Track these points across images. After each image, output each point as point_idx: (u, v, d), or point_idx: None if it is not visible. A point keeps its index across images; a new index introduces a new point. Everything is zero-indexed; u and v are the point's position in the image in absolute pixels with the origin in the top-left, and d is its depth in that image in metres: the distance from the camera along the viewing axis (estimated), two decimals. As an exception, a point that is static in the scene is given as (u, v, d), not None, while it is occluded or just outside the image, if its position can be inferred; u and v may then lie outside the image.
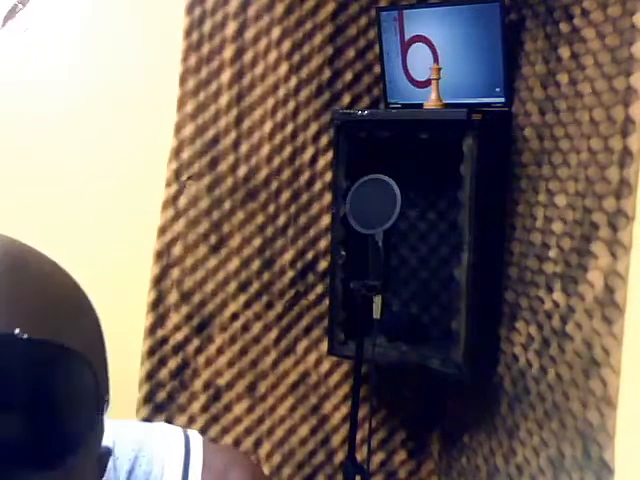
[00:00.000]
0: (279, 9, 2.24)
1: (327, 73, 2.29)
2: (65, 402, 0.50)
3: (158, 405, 2.27)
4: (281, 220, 2.31)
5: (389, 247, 2.21)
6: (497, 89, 2.05)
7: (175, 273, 2.24)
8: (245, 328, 2.31)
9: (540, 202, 1.88)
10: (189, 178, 2.23)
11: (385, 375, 2.32)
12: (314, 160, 2.31)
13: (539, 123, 1.91)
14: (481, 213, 1.97)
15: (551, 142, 1.85)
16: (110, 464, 0.68)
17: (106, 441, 0.70)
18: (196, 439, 0.74)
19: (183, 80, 2.20)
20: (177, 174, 2.22)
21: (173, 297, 2.25)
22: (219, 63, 2.22)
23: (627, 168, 1.50)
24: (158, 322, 2.25)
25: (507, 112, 2.05)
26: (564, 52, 1.81)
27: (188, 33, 2.19)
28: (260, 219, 2.29)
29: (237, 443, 2.33)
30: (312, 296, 2.35)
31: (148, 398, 2.26)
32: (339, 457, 2.39)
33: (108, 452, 0.59)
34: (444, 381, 2.32)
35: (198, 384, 2.29)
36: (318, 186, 2.32)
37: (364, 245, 1.88)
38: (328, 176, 2.30)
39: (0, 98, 2.21)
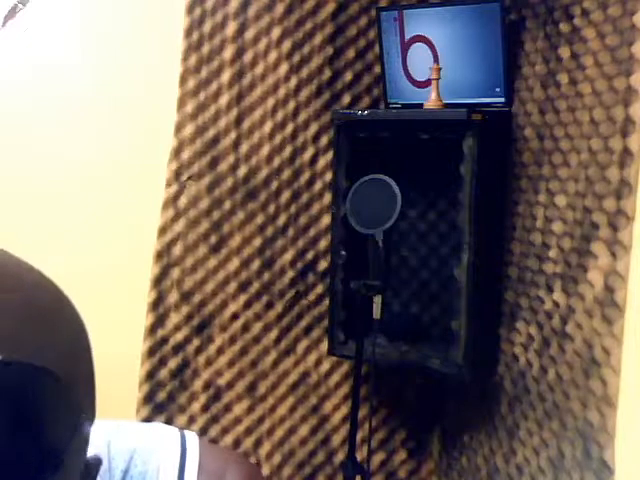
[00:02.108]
0: (279, 9, 2.24)
1: (327, 73, 2.29)
2: (35, 420, 0.49)
3: (158, 405, 2.27)
4: (281, 220, 2.31)
5: (389, 247, 2.21)
6: (497, 89, 2.05)
7: (175, 273, 2.25)
8: (245, 328, 2.31)
9: (540, 202, 1.88)
10: (189, 178, 2.23)
11: (385, 375, 2.32)
12: (314, 160, 2.31)
13: (539, 123, 1.91)
14: (481, 213, 1.97)
15: (551, 142, 1.85)
16: (105, 464, 0.68)
17: (101, 442, 0.70)
18: (192, 440, 0.74)
19: (183, 80, 2.20)
20: (177, 174, 2.23)
21: (173, 297, 2.25)
22: (219, 63, 2.22)
23: (627, 168, 1.50)
24: (158, 322, 2.25)
25: (507, 112, 2.05)
26: (564, 52, 1.81)
27: (188, 33, 2.19)
28: (260, 219, 2.29)
29: (237, 443, 2.33)
30: (312, 296, 2.35)
31: (148, 398, 2.26)
32: (339, 457, 2.39)
33: (98, 461, 0.58)
34: (444, 381, 2.32)
35: (198, 384, 2.29)
36: (318, 186, 2.33)
37: (364, 245, 1.88)
38: (328, 176, 2.30)
39: (0, 98, 2.21)
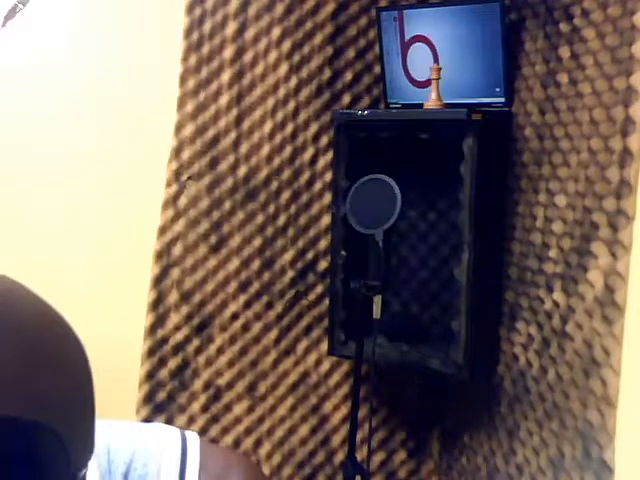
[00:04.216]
0: (279, 9, 2.24)
1: (327, 73, 2.29)
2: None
3: (158, 405, 2.27)
4: (281, 220, 2.31)
5: (389, 247, 2.21)
6: (497, 89, 2.05)
7: (175, 273, 2.24)
8: (245, 328, 2.31)
9: (540, 202, 1.88)
10: (189, 178, 2.23)
11: (385, 375, 2.32)
12: (314, 160, 2.31)
13: (539, 123, 1.91)
14: (481, 213, 1.97)
15: (551, 142, 1.85)
16: (105, 467, 0.68)
17: (101, 444, 0.69)
18: (193, 441, 0.73)
19: (183, 80, 2.20)
20: (177, 174, 2.22)
21: (173, 297, 2.25)
22: (219, 63, 2.22)
23: (627, 168, 1.50)
24: (158, 322, 2.25)
25: (507, 112, 2.05)
26: (564, 52, 1.81)
27: (188, 33, 2.19)
28: (260, 219, 2.29)
29: (237, 443, 2.33)
30: (312, 296, 2.35)
31: (148, 398, 2.26)
32: (339, 457, 2.39)
33: None
34: (444, 381, 2.32)
35: (198, 384, 2.29)
36: (318, 186, 2.32)
37: (364, 245, 1.88)
38: (328, 176, 2.30)
39: (0, 98, 2.21)
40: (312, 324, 2.36)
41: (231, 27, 2.21)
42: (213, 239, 2.26)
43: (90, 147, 2.25)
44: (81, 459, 0.52)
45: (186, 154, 2.22)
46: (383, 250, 1.84)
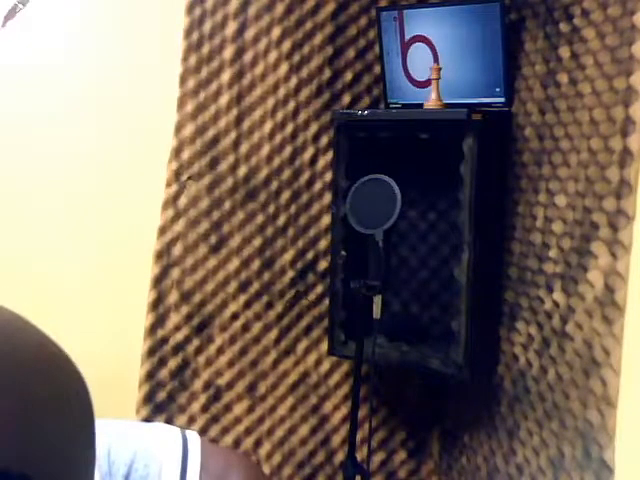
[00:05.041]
0: (279, 9, 2.24)
1: (327, 73, 2.29)
2: None
3: (158, 405, 2.27)
4: (281, 220, 2.31)
5: (389, 247, 2.21)
6: (497, 89, 2.05)
7: (175, 273, 2.24)
8: (245, 328, 2.31)
9: (540, 202, 1.88)
10: (189, 178, 2.23)
11: (385, 375, 2.32)
12: (314, 160, 2.31)
13: (539, 123, 1.91)
14: (481, 213, 1.97)
15: (551, 142, 1.85)
16: (105, 469, 0.68)
17: (101, 446, 0.69)
18: (194, 441, 0.73)
19: (183, 80, 2.20)
20: (177, 174, 2.22)
21: (173, 297, 2.25)
22: (219, 63, 2.22)
23: (627, 168, 1.50)
24: (158, 322, 2.25)
25: (507, 112, 2.05)
26: (564, 52, 1.81)
27: (188, 33, 2.19)
28: (260, 219, 2.29)
29: (237, 443, 2.33)
30: (312, 296, 2.35)
31: (148, 398, 2.26)
32: (339, 457, 2.39)
33: None
34: (444, 381, 2.32)
35: (198, 384, 2.29)
36: (318, 186, 2.32)
37: (364, 245, 1.88)
38: (328, 176, 2.30)
39: (0, 98, 2.21)
40: (312, 324, 2.36)
41: (231, 27, 2.21)
42: (213, 239, 2.26)
43: (90, 147, 2.25)
44: None
45: (186, 154, 2.22)
46: (383, 250, 1.84)
